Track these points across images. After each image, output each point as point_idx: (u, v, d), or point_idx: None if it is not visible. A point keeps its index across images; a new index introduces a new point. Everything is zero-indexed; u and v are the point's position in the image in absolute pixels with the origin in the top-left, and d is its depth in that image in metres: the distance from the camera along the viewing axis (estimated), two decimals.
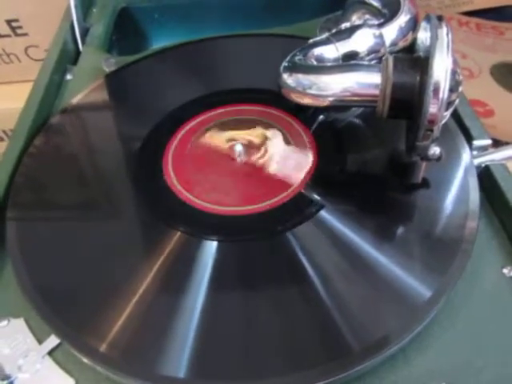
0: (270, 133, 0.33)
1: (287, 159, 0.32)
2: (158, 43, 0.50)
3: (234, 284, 0.26)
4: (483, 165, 0.29)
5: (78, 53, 0.43)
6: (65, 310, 0.25)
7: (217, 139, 0.33)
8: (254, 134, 0.33)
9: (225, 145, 0.32)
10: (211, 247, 0.27)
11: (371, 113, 0.29)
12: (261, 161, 0.31)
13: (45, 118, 0.36)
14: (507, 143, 0.31)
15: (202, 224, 0.29)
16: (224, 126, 0.34)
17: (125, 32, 0.48)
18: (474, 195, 0.27)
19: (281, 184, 0.30)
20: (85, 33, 0.44)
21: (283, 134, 0.33)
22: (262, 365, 0.22)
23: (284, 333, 0.23)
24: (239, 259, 0.27)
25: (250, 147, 0.32)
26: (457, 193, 0.28)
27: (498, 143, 0.34)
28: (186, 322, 0.24)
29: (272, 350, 0.23)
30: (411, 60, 0.26)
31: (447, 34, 0.24)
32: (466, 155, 0.30)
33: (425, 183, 0.29)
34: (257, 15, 0.48)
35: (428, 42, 0.26)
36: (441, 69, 0.23)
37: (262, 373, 0.22)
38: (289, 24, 0.44)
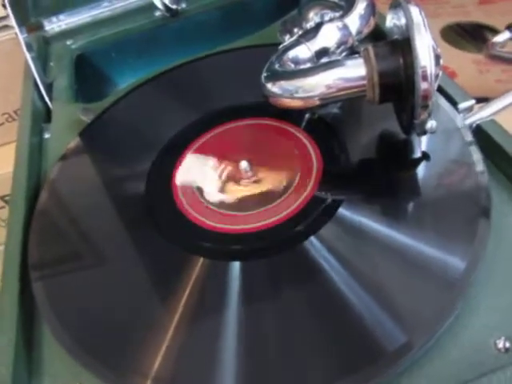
0: None
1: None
2: (122, 81, 0.50)
3: (268, 301, 0.26)
4: (474, 125, 0.31)
5: (48, 109, 0.43)
6: (117, 361, 0.25)
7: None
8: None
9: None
10: (237, 268, 0.27)
11: (353, 100, 0.30)
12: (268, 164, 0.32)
13: (36, 181, 0.36)
14: (479, 99, 0.33)
15: (225, 246, 0.29)
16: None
17: (86, 78, 0.48)
18: (476, 154, 0.28)
19: (293, 192, 0.30)
20: (49, 88, 0.44)
21: None
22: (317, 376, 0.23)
23: (338, 335, 0.24)
24: (267, 275, 0.27)
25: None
26: (459, 156, 0.29)
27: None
28: (228, 348, 0.24)
29: (328, 354, 0.23)
30: (390, 44, 0.27)
31: (420, 13, 0.25)
32: (456, 119, 0.31)
33: (426, 156, 0.30)
34: (213, 34, 0.49)
35: (401, 23, 0.27)
36: (424, 48, 0.25)
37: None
38: (247, 35, 0.44)
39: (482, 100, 0.33)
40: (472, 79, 0.51)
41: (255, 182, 0.32)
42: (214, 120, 0.36)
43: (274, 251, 0.28)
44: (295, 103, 0.30)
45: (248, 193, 0.31)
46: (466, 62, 0.53)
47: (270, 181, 0.31)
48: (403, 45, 0.27)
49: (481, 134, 0.30)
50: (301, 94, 0.30)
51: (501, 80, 0.51)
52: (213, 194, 0.32)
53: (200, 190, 0.32)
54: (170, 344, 0.24)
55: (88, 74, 0.49)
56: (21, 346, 0.26)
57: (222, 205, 0.31)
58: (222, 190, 0.32)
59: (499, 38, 0.38)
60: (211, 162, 0.34)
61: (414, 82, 0.25)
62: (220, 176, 0.33)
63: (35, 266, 0.29)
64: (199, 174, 0.33)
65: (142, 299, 0.27)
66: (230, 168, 0.33)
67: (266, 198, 0.30)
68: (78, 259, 0.30)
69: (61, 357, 0.26)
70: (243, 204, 0.31)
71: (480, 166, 0.28)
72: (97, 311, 0.27)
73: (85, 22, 0.50)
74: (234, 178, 0.32)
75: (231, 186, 0.32)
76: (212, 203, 0.31)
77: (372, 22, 0.35)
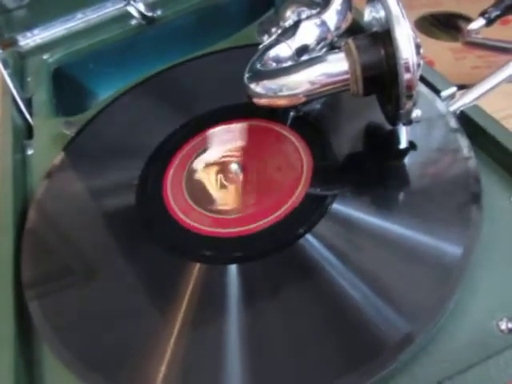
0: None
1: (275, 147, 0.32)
2: (102, 92, 0.49)
3: (269, 302, 0.26)
4: (458, 111, 0.31)
5: (29, 126, 0.42)
6: (119, 374, 0.24)
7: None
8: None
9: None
10: (235, 271, 0.27)
11: (337, 94, 0.30)
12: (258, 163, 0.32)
13: (23, 199, 0.35)
14: (457, 86, 0.33)
15: (220, 250, 0.29)
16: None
17: (65, 91, 0.47)
18: (464, 140, 0.29)
19: (286, 190, 0.30)
20: (28, 104, 0.43)
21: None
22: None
23: (342, 330, 0.24)
24: (266, 276, 0.27)
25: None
26: (447, 143, 0.29)
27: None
28: (232, 351, 0.24)
29: (333, 350, 0.23)
30: (370, 37, 0.28)
31: (398, 4, 0.26)
32: (440, 106, 0.31)
33: (414, 145, 0.30)
34: (190, 39, 0.49)
35: (380, 15, 0.27)
36: (404, 39, 0.25)
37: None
38: (224, 38, 0.44)
39: (460, 87, 0.34)
40: (449, 67, 0.51)
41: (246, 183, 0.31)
42: (200, 124, 0.35)
43: (271, 252, 0.27)
44: (280, 102, 0.30)
45: (239, 195, 0.31)
46: (442, 51, 0.54)
47: (261, 181, 0.31)
48: (383, 36, 0.27)
49: (465, 120, 0.31)
50: (285, 92, 0.30)
51: (477, 66, 0.52)
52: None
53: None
54: (172, 354, 0.24)
55: (67, 87, 0.48)
56: (21, 366, 0.26)
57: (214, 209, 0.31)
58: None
59: (474, 25, 0.38)
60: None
61: (397, 73, 0.26)
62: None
63: (29, 284, 0.29)
64: None
65: (140, 310, 0.27)
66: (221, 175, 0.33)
67: (258, 199, 0.30)
68: (73, 275, 0.30)
69: (62, 374, 0.25)
70: (236, 206, 0.30)
71: (468, 151, 0.28)
72: (96, 325, 0.27)
73: (60, 35, 0.50)
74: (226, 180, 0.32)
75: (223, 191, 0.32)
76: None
77: (349, 17, 0.36)
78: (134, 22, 0.49)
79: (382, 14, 0.27)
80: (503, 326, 0.23)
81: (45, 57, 0.48)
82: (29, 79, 0.47)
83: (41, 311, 0.27)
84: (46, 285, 0.29)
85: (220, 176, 0.32)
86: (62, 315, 0.27)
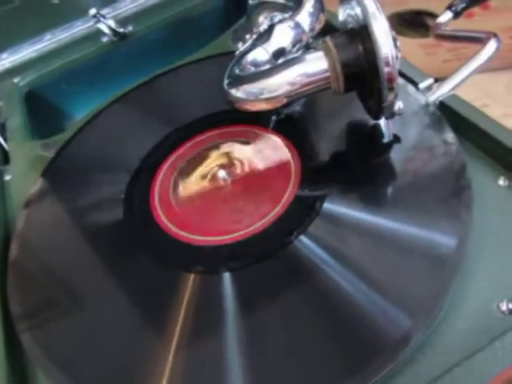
0: (225, 148, 0.34)
1: (262, 151, 0.32)
2: (77, 112, 0.49)
3: (268, 307, 0.25)
4: (437, 101, 0.31)
5: (4, 151, 0.41)
6: None
7: (192, 185, 0.32)
8: (216, 159, 0.33)
9: (203, 183, 0.32)
10: (231, 279, 0.26)
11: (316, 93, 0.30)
12: (245, 169, 0.32)
13: (4, 226, 0.34)
14: (435, 80, 0.34)
15: (214, 258, 0.28)
16: (185, 171, 0.33)
17: (39, 114, 0.46)
18: (447, 129, 0.29)
19: (274, 195, 0.30)
20: (2, 129, 0.42)
21: (237, 141, 0.34)
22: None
23: (345, 329, 0.23)
24: (262, 281, 0.26)
25: (226, 168, 0.32)
26: (431, 134, 0.30)
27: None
28: (233, 361, 0.23)
29: (338, 350, 0.23)
30: (347, 34, 0.28)
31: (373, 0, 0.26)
32: (420, 98, 0.32)
33: (399, 138, 0.30)
34: (164, 52, 0.48)
35: (355, 12, 0.28)
36: (382, 34, 0.25)
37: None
38: (198, 49, 0.44)
39: (434, 80, 0.34)
40: (422, 62, 0.51)
41: (235, 190, 0.31)
42: (181, 135, 0.35)
43: (266, 256, 0.27)
44: (262, 105, 0.30)
45: (229, 201, 0.31)
46: (413, 47, 0.55)
47: (250, 186, 0.31)
48: (361, 32, 0.27)
49: (445, 109, 0.31)
50: (266, 95, 0.30)
51: (448, 60, 0.53)
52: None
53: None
54: (171, 370, 0.23)
55: (41, 110, 0.47)
56: None
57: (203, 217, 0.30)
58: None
59: (442, 19, 0.39)
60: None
61: (378, 67, 0.26)
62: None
63: (20, 316, 0.28)
64: None
65: (135, 329, 0.26)
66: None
67: (248, 204, 0.30)
68: (63, 301, 0.29)
69: None
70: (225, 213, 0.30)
71: (452, 140, 0.29)
72: (92, 348, 0.26)
73: (29, 57, 0.49)
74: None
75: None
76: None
77: (322, 18, 0.36)
78: (105, 39, 0.48)
79: (357, 10, 0.27)
80: (504, 307, 0.23)
81: (15, 80, 0.47)
82: (0, 104, 0.46)
83: (33, 342, 0.26)
84: (36, 314, 0.28)
85: (208, 183, 0.32)
86: (55, 342, 0.26)
